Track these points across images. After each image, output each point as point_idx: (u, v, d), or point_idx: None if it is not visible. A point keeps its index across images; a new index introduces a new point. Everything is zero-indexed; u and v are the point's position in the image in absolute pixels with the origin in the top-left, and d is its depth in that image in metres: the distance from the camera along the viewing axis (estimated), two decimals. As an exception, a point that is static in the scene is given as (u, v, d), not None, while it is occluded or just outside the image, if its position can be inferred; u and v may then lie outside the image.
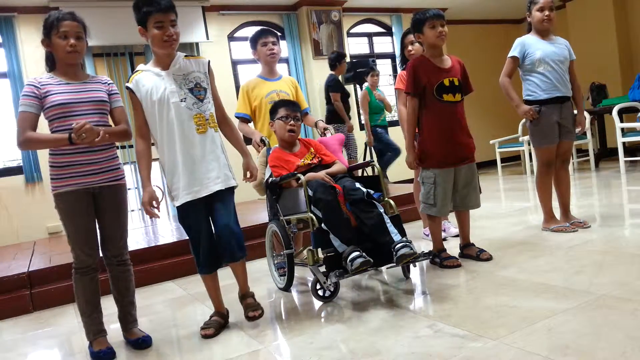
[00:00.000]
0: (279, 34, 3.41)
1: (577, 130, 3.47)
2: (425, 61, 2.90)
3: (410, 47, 3.52)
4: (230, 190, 2.41)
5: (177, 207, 2.34)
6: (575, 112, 3.44)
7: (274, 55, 3.32)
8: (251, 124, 3.35)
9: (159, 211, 2.28)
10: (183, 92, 2.27)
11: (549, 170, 3.42)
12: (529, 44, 3.34)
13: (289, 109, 2.90)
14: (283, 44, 7.01)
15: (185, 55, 2.36)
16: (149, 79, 2.27)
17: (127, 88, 2.29)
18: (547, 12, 3.30)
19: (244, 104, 3.28)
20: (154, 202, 2.26)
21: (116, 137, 2.30)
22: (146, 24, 2.22)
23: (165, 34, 2.20)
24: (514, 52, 3.38)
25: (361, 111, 6.21)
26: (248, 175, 2.50)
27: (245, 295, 2.49)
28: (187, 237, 2.41)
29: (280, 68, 7.06)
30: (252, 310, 2.42)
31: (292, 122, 2.88)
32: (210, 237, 2.37)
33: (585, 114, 5.93)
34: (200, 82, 2.32)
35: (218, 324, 2.40)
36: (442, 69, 2.89)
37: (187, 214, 2.34)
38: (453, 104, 2.88)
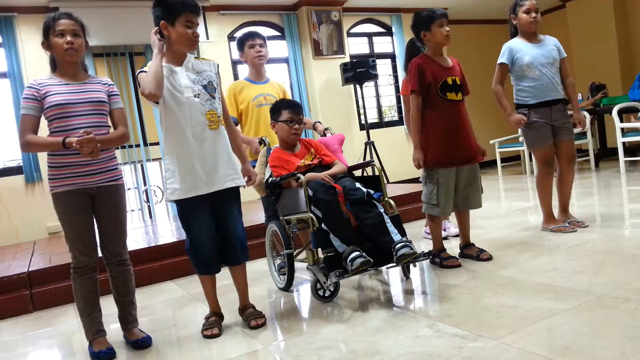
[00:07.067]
0: (266, 36, 3.38)
1: (578, 129, 3.45)
2: (429, 59, 2.91)
3: None
4: (237, 190, 2.42)
5: (180, 203, 2.30)
6: (570, 112, 3.43)
7: (262, 57, 3.28)
8: (237, 127, 3.31)
9: None
10: (197, 87, 2.30)
11: (549, 171, 3.40)
12: (517, 49, 3.32)
13: (293, 112, 2.89)
14: (283, 44, 7.01)
15: (195, 57, 2.39)
16: (163, 72, 2.26)
17: (142, 72, 2.25)
18: (533, 14, 3.28)
19: (231, 106, 3.20)
20: None
21: (114, 143, 2.30)
22: (174, 20, 2.24)
23: (194, 35, 2.27)
24: (502, 58, 3.36)
25: None
26: (246, 179, 2.50)
27: (246, 307, 2.47)
28: (186, 237, 2.37)
29: (281, 68, 7.13)
30: (254, 318, 2.38)
31: (296, 126, 2.89)
32: (215, 236, 2.36)
33: (585, 113, 5.94)
34: (212, 81, 2.37)
35: (220, 325, 2.40)
36: (445, 67, 2.90)
37: (192, 209, 2.30)
38: (457, 103, 2.89)
